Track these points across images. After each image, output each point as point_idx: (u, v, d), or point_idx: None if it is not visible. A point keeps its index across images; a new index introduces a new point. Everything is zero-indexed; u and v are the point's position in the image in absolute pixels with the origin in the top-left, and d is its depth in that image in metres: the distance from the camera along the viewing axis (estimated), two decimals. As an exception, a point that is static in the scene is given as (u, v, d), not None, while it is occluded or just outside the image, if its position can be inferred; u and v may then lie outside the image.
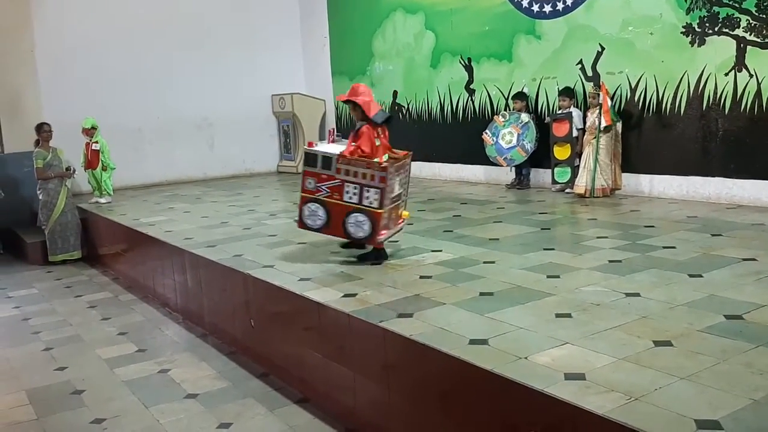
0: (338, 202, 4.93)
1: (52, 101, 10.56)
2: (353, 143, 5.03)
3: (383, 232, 4.95)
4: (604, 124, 7.30)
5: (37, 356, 5.61)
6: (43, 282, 8.23)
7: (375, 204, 4.82)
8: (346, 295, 4.33)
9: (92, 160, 9.56)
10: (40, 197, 8.95)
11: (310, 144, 5.23)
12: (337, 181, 4.91)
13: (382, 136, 5.11)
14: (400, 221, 5.28)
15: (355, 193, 4.86)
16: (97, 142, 9.55)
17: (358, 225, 4.89)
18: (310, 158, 5.01)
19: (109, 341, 5.86)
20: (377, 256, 5.18)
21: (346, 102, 5.16)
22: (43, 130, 8.89)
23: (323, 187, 4.96)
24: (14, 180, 10.16)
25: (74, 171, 9.25)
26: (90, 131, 9.50)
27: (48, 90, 10.67)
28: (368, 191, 4.82)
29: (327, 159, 4.92)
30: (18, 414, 4.48)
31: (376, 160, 4.88)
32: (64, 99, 10.60)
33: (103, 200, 9.65)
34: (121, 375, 5.05)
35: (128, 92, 11.30)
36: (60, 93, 10.68)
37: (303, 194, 5.07)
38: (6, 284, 8.17)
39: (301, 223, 5.16)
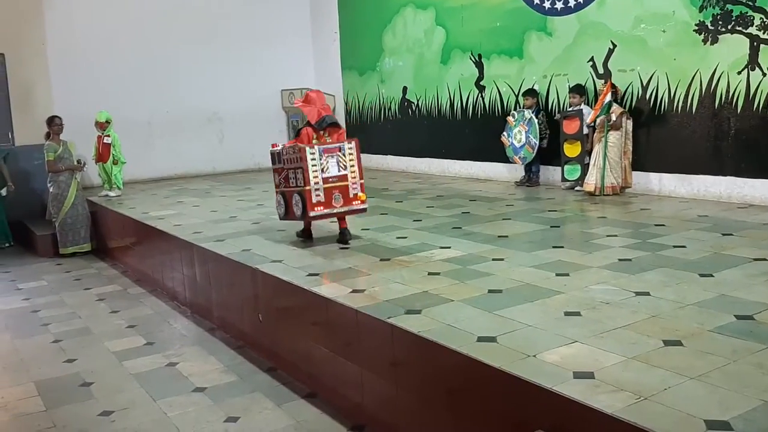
0: (288, 189, 5.69)
1: (63, 94, 10.61)
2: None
3: (317, 208, 5.47)
4: (587, 120, 7.36)
5: (46, 348, 5.64)
6: (53, 274, 8.27)
7: (301, 183, 5.47)
8: (354, 291, 4.33)
9: (103, 153, 9.61)
10: (51, 190, 8.99)
11: (274, 145, 5.91)
12: (285, 171, 5.68)
13: (326, 136, 5.67)
14: (355, 202, 5.65)
15: (293, 178, 5.58)
16: (108, 136, 9.60)
17: (296, 204, 5.57)
18: (272, 157, 5.85)
19: (118, 334, 5.89)
20: (305, 234, 5.95)
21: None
22: (54, 123, 8.92)
23: (281, 180, 5.77)
24: (25, 173, 10.21)
25: (84, 164, 9.28)
26: (104, 125, 9.56)
27: (59, 83, 10.72)
28: (297, 173, 5.52)
29: (278, 154, 5.75)
30: (27, 405, 4.50)
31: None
32: (74, 92, 10.66)
33: (112, 194, 9.70)
34: (129, 368, 5.07)
35: (138, 86, 11.34)
36: (70, 86, 10.73)
37: (275, 189, 5.93)
38: (16, 276, 8.22)
39: (278, 215, 5.96)
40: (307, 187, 5.38)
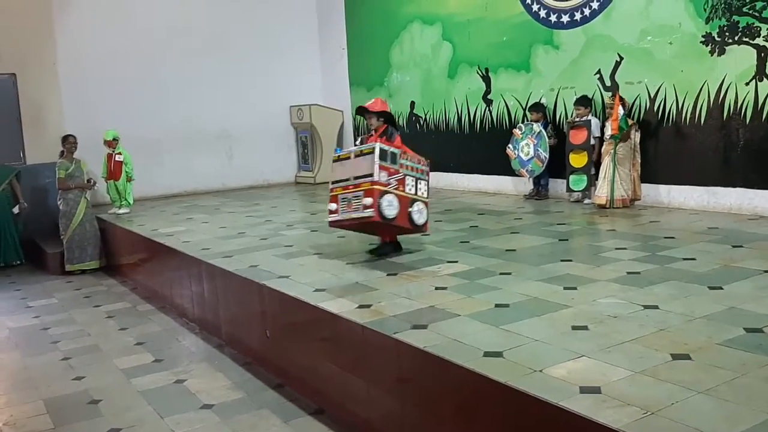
0: (403, 194, 5.39)
1: (74, 113, 10.71)
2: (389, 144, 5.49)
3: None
4: (609, 132, 7.33)
5: (55, 366, 5.65)
6: (63, 292, 8.31)
7: (425, 195, 5.53)
8: (360, 306, 4.32)
9: (115, 171, 9.67)
10: (60, 207, 9.06)
11: (374, 140, 5.57)
12: (400, 174, 5.38)
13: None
14: None
15: (412, 185, 5.46)
16: (120, 153, 9.67)
17: (420, 212, 5.48)
18: (383, 154, 5.30)
19: (127, 351, 5.89)
20: (395, 248, 5.81)
21: (378, 113, 5.63)
22: (68, 142, 9.06)
23: (392, 181, 5.34)
24: (36, 191, 10.31)
25: (95, 183, 9.37)
26: (112, 143, 9.63)
27: (69, 102, 10.82)
28: (420, 183, 5.51)
29: (393, 155, 5.37)
30: (35, 423, 4.51)
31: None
32: (85, 111, 10.76)
33: (121, 211, 9.74)
34: (137, 385, 5.07)
35: (148, 104, 11.44)
36: (81, 105, 10.83)
37: (377, 187, 5.23)
38: (26, 294, 8.27)
39: (379, 215, 5.26)
40: (428, 200, 5.60)
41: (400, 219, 5.39)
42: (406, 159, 5.44)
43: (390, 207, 5.30)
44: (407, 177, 5.43)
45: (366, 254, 5.79)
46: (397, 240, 5.84)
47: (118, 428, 4.35)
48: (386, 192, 5.28)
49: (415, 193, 5.46)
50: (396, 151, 5.40)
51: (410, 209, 5.40)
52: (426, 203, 5.51)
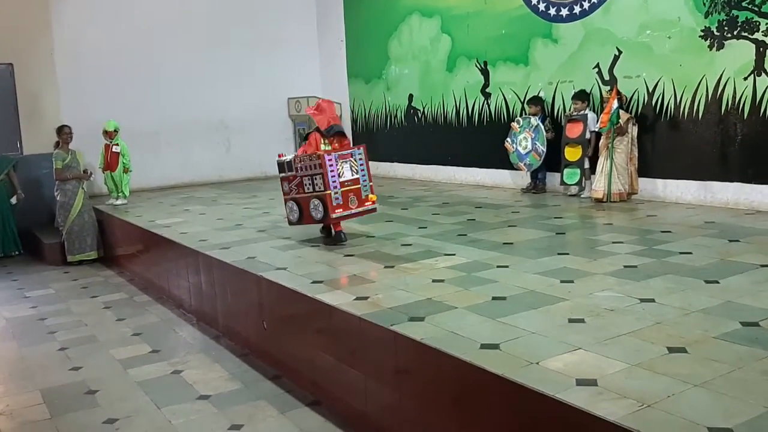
0: (302, 195, 5.91)
1: (71, 103, 10.67)
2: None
3: (337, 210, 5.76)
4: (598, 126, 7.32)
5: (52, 356, 5.65)
6: (60, 282, 8.30)
7: (320, 188, 5.75)
8: (358, 298, 4.32)
9: (112, 162, 9.64)
10: (58, 198, 9.05)
11: (280, 155, 6.20)
12: (297, 179, 5.91)
13: (335, 142, 6.08)
14: (367, 203, 6.01)
15: (309, 184, 5.84)
16: (117, 144, 9.65)
17: (316, 209, 5.83)
18: (280, 166, 6.09)
19: (124, 342, 5.89)
20: (336, 239, 6.07)
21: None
22: (63, 132, 9.03)
23: (293, 187, 5.99)
24: (33, 181, 10.26)
25: (91, 174, 9.34)
26: (112, 134, 9.61)
27: (67, 92, 10.78)
28: (314, 179, 5.79)
29: (288, 163, 6.00)
30: (32, 413, 4.51)
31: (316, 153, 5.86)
32: (82, 101, 10.72)
33: (118, 202, 9.72)
34: (134, 375, 5.08)
35: (146, 95, 11.41)
36: (78, 95, 10.79)
37: (283, 197, 6.15)
38: (23, 284, 8.26)
39: (288, 221, 6.20)
40: (328, 192, 5.69)
41: (306, 219, 6.00)
42: (298, 162, 5.89)
43: (292, 212, 6.10)
44: (304, 178, 5.87)
45: (351, 245, 6.04)
46: (330, 231, 6.20)
47: (114, 418, 4.36)
48: (288, 199, 6.08)
49: (313, 191, 5.81)
50: (288, 159, 6.00)
51: (310, 207, 5.87)
52: (324, 197, 5.71)
